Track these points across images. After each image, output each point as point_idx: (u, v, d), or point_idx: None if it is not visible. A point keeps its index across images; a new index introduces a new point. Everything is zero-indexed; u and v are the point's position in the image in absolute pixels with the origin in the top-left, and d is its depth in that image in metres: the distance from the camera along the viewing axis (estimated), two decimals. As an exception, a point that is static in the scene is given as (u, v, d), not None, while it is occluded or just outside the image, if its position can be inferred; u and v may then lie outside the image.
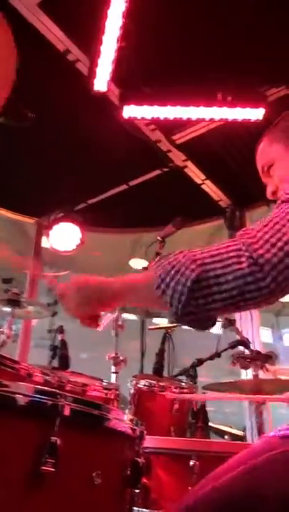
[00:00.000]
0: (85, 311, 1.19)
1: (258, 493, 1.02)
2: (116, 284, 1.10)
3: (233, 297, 0.92)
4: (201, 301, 0.93)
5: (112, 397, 2.08)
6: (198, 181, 4.14)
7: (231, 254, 0.93)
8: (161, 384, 2.39)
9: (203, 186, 4.17)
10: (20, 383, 1.00)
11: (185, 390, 2.37)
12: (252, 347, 2.62)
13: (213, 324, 1.07)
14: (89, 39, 2.71)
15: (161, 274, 0.97)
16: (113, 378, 2.45)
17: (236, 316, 4.11)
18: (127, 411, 2.31)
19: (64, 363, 2.38)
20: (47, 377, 1.44)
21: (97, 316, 1.22)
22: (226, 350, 2.68)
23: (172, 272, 0.95)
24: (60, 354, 2.40)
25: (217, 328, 2.83)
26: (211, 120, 3.23)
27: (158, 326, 3.26)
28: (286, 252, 0.92)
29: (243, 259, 0.92)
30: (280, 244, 0.93)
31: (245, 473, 1.05)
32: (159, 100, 3.11)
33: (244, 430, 3.90)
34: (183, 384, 2.51)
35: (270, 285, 0.92)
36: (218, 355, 2.71)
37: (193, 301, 0.93)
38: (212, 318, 1.06)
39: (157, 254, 3.59)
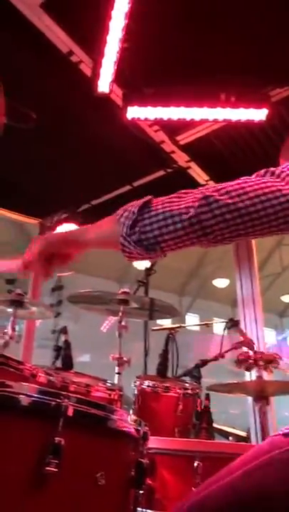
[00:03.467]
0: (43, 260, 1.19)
1: (263, 491, 1.03)
2: (82, 228, 1.20)
3: (167, 225, 1.00)
4: (147, 221, 1.02)
5: (116, 397, 2.08)
6: (202, 182, 4.14)
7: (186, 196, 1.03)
8: (165, 385, 2.39)
9: (206, 187, 4.17)
10: (24, 384, 1.00)
11: (189, 391, 2.37)
12: (256, 348, 2.62)
13: (158, 251, 1.06)
14: (92, 40, 2.71)
15: (121, 209, 1.08)
16: (117, 379, 2.45)
17: (240, 317, 4.12)
18: (130, 412, 2.31)
19: (67, 364, 2.38)
20: (50, 378, 1.44)
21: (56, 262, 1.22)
22: (230, 350, 2.68)
23: (128, 206, 1.07)
24: (64, 355, 2.40)
25: (221, 329, 2.83)
26: (215, 121, 3.23)
27: (161, 327, 3.26)
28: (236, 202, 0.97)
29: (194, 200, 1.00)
30: (234, 194, 0.98)
31: (250, 472, 1.05)
32: (162, 101, 3.11)
33: (248, 431, 3.89)
34: (187, 385, 2.51)
35: (192, 219, 0.98)
36: (222, 356, 2.71)
37: (140, 220, 1.02)
38: (158, 244, 1.04)
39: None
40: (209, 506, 1.07)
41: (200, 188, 1.03)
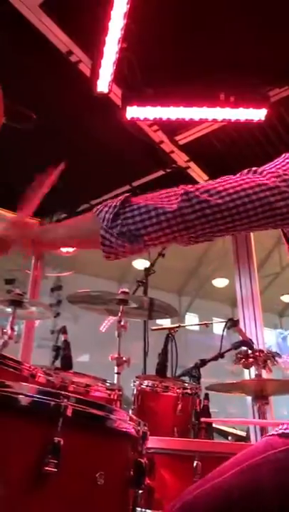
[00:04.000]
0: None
1: (258, 491, 1.02)
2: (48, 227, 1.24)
3: (150, 218, 1.01)
4: (129, 214, 1.02)
5: (115, 397, 2.08)
6: (201, 181, 4.11)
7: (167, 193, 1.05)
8: (164, 384, 2.39)
9: (205, 187, 4.17)
10: (23, 384, 1.00)
11: (188, 391, 2.37)
12: (255, 347, 2.62)
13: (141, 243, 1.05)
14: (91, 40, 2.71)
15: (97, 207, 1.09)
16: (116, 379, 2.45)
17: (239, 316, 4.12)
18: (130, 411, 2.31)
19: (67, 364, 2.38)
20: (50, 378, 1.44)
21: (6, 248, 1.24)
22: (229, 350, 2.68)
23: (105, 203, 1.08)
24: (63, 355, 2.40)
25: (220, 329, 2.83)
26: (214, 121, 3.23)
27: (161, 327, 3.26)
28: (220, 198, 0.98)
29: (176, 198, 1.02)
30: (220, 188, 1.00)
31: (245, 471, 1.04)
32: (161, 101, 3.11)
33: (247, 431, 3.90)
34: (186, 384, 2.51)
35: (175, 212, 0.99)
36: (221, 355, 2.71)
37: (121, 214, 1.03)
38: (140, 236, 1.04)
39: (160, 254, 3.60)
40: (201, 506, 1.06)
41: (181, 186, 1.04)
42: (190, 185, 1.04)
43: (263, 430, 2.49)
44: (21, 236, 1.21)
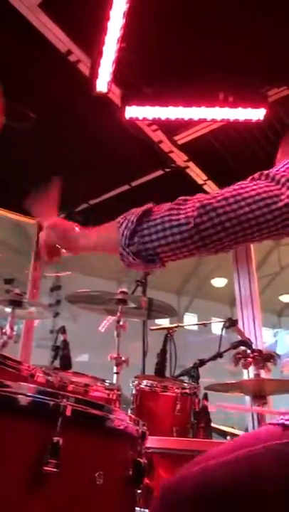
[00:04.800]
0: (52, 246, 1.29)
1: (257, 481, 0.99)
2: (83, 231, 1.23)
3: (165, 237, 1.00)
4: (146, 232, 1.02)
5: (114, 397, 2.08)
6: (200, 181, 4.14)
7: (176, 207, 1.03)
8: (163, 384, 2.39)
9: (204, 187, 4.16)
10: (23, 383, 1.00)
11: (187, 391, 2.37)
12: (254, 347, 2.62)
13: (157, 262, 1.06)
14: (90, 40, 2.71)
15: (121, 217, 1.09)
16: (115, 379, 2.45)
17: (238, 316, 4.12)
18: (129, 411, 2.31)
19: (66, 364, 2.38)
20: (49, 378, 1.44)
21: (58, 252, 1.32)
22: (228, 350, 2.69)
23: (128, 214, 1.07)
24: (62, 355, 2.40)
25: (219, 329, 2.83)
26: (213, 120, 3.23)
27: (160, 327, 3.26)
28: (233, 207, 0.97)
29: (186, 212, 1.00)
30: (231, 199, 0.98)
31: (243, 459, 1.02)
32: (160, 101, 3.11)
33: (246, 430, 3.90)
34: (185, 384, 2.51)
35: (192, 230, 0.98)
36: (220, 355, 2.71)
37: (139, 231, 1.02)
38: (157, 255, 1.04)
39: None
40: (186, 488, 1.03)
41: (198, 196, 1.03)
42: (207, 195, 1.02)
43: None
44: (64, 239, 1.25)
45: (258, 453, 1.02)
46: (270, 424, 1.10)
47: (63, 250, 1.29)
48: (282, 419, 1.06)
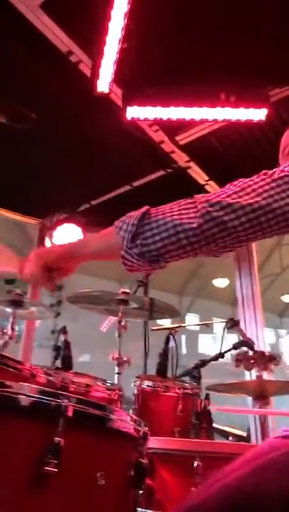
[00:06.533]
0: (44, 275, 1.20)
1: (261, 493, 1.00)
2: (79, 242, 1.20)
3: (169, 236, 0.99)
4: (148, 233, 1.00)
5: (116, 397, 2.08)
6: (202, 182, 4.14)
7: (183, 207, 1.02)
8: (165, 384, 2.39)
9: (206, 187, 4.17)
10: (24, 384, 1.00)
11: (189, 391, 2.37)
12: (256, 348, 2.62)
13: (161, 262, 1.05)
14: (91, 40, 2.71)
15: (118, 221, 1.06)
16: (116, 379, 2.45)
17: (240, 317, 4.12)
18: (130, 411, 2.31)
19: (67, 364, 2.38)
20: (50, 378, 1.44)
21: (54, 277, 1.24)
22: (229, 350, 2.68)
23: (125, 218, 1.05)
24: (64, 355, 2.40)
25: (221, 329, 2.83)
26: (214, 121, 3.23)
27: (161, 327, 3.26)
28: (242, 205, 0.96)
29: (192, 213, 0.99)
30: (235, 196, 0.98)
31: (249, 473, 1.03)
32: (162, 101, 3.11)
33: (248, 431, 3.90)
34: (186, 385, 2.51)
35: (196, 229, 0.97)
36: (221, 355, 2.71)
37: (141, 233, 1.00)
38: (161, 256, 1.03)
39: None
40: (208, 508, 1.05)
41: (199, 196, 1.03)
42: (208, 195, 1.01)
43: (264, 430, 2.49)
44: (64, 254, 1.19)
45: (261, 467, 1.02)
46: (272, 438, 1.11)
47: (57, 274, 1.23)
48: (284, 430, 1.08)
